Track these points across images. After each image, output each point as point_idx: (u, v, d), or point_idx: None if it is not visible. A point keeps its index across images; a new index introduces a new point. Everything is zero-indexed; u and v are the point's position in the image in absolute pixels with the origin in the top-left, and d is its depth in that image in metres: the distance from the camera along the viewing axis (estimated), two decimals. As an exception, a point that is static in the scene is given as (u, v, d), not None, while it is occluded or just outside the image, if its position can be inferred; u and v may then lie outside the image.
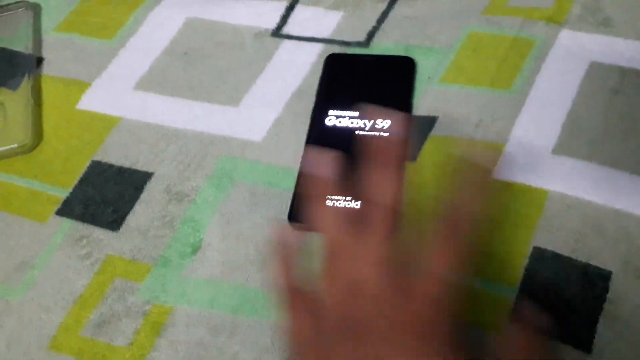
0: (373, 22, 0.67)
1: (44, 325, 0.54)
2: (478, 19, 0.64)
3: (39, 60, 0.71)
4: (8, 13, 0.75)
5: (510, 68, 0.60)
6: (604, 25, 0.61)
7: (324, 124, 0.60)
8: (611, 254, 0.50)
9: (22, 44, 0.72)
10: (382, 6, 0.69)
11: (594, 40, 0.60)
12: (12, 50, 0.72)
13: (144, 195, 0.60)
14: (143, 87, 0.67)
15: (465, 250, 0.42)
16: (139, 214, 0.59)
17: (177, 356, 0.52)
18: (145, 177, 0.61)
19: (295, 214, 0.56)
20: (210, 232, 0.57)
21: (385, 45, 0.65)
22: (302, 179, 0.57)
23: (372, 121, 0.58)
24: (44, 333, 0.54)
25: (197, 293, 0.54)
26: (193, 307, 0.53)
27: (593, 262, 0.50)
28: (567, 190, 0.53)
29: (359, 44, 0.66)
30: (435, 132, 0.58)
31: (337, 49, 0.66)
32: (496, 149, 0.56)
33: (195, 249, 0.56)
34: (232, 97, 0.65)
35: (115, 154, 0.63)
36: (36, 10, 0.76)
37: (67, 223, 0.59)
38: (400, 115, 0.49)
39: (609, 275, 0.49)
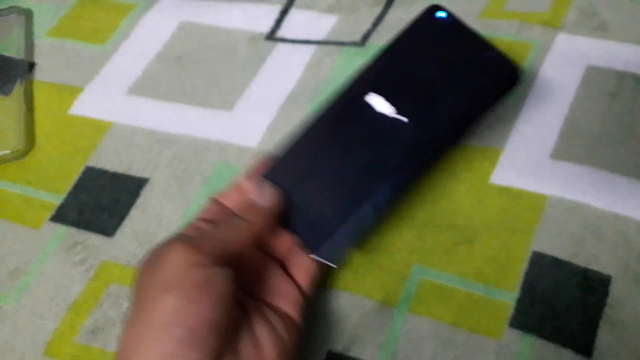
0: (368, 25, 0.67)
1: (38, 331, 0.54)
2: (474, 23, 0.64)
3: (31, 66, 0.71)
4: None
5: (506, 72, 0.60)
6: (601, 29, 0.61)
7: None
8: (610, 258, 0.49)
9: (14, 50, 0.71)
10: (378, 10, 0.68)
11: (591, 45, 0.60)
12: (3, 56, 0.72)
13: (139, 201, 0.59)
14: (136, 92, 0.67)
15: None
16: (135, 220, 0.58)
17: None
18: (141, 182, 0.60)
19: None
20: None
21: (382, 45, 0.64)
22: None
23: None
24: (39, 340, 0.53)
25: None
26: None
27: (592, 267, 0.49)
28: (565, 195, 0.52)
29: (354, 44, 0.66)
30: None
31: (331, 50, 0.65)
32: (494, 154, 0.56)
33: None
34: (226, 101, 0.64)
35: (109, 160, 0.62)
36: (28, 15, 0.75)
37: (61, 229, 0.58)
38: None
39: (609, 280, 0.49)
